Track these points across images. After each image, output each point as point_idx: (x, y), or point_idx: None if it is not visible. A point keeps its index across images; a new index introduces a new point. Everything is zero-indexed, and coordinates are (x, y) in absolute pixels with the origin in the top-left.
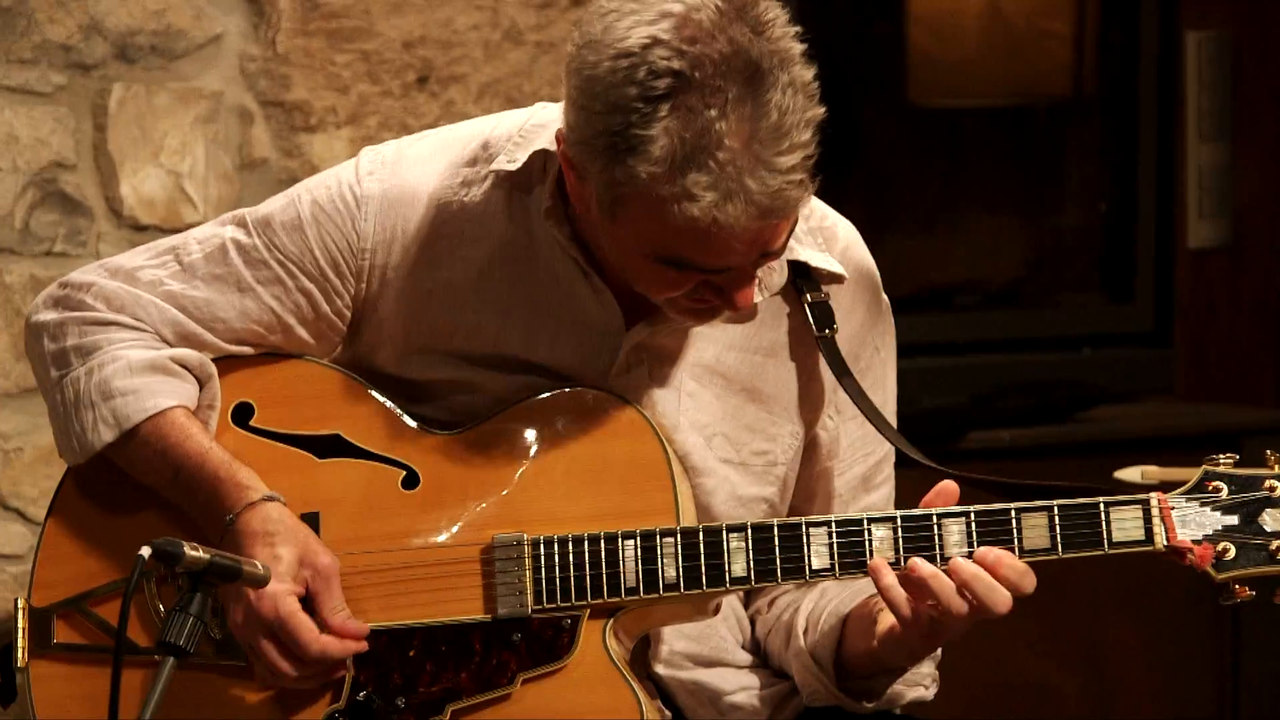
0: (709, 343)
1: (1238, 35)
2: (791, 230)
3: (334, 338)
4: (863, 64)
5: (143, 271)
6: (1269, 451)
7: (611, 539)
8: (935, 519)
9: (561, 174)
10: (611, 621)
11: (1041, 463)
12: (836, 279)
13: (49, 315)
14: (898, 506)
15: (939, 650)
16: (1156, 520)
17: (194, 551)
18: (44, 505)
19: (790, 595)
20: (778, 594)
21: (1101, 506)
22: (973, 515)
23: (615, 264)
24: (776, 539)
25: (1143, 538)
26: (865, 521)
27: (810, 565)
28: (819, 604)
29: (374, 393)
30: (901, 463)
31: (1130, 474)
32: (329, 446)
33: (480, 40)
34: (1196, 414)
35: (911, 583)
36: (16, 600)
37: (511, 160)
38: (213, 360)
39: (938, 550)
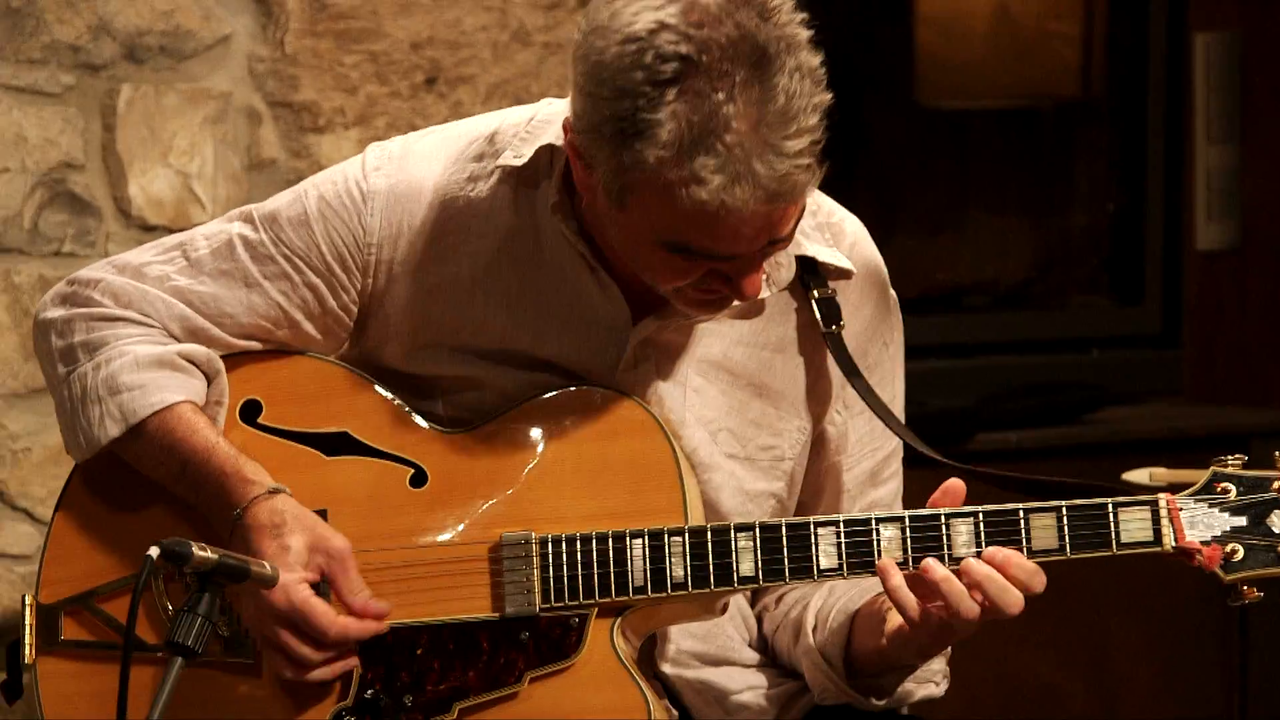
0: (715, 338)
1: (1246, 37)
2: (799, 218)
3: (340, 333)
4: (870, 65)
5: (150, 267)
6: (1277, 453)
7: (619, 538)
8: (944, 519)
9: (568, 168)
10: (619, 620)
11: (1049, 464)
12: (844, 274)
13: (56, 312)
14: (907, 505)
15: (949, 647)
16: (1165, 521)
17: (202, 552)
18: (52, 505)
19: (798, 592)
20: (784, 591)
21: (1110, 507)
22: (981, 515)
23: (623, 254)
24: (784, 539)
25: (1151, 539)
26: (873, 521)
27: (818, 565)
28: (828, 601)
29: (382, 390)
30: (911, 461)
31: (1138, 475)
32: (337, 444)
33: (488, 41)
34: (1204, 415)
35: (924, 584)
36: (24, 597)
37: (518, 155)
38: (221, 357)
39: (946, 550)
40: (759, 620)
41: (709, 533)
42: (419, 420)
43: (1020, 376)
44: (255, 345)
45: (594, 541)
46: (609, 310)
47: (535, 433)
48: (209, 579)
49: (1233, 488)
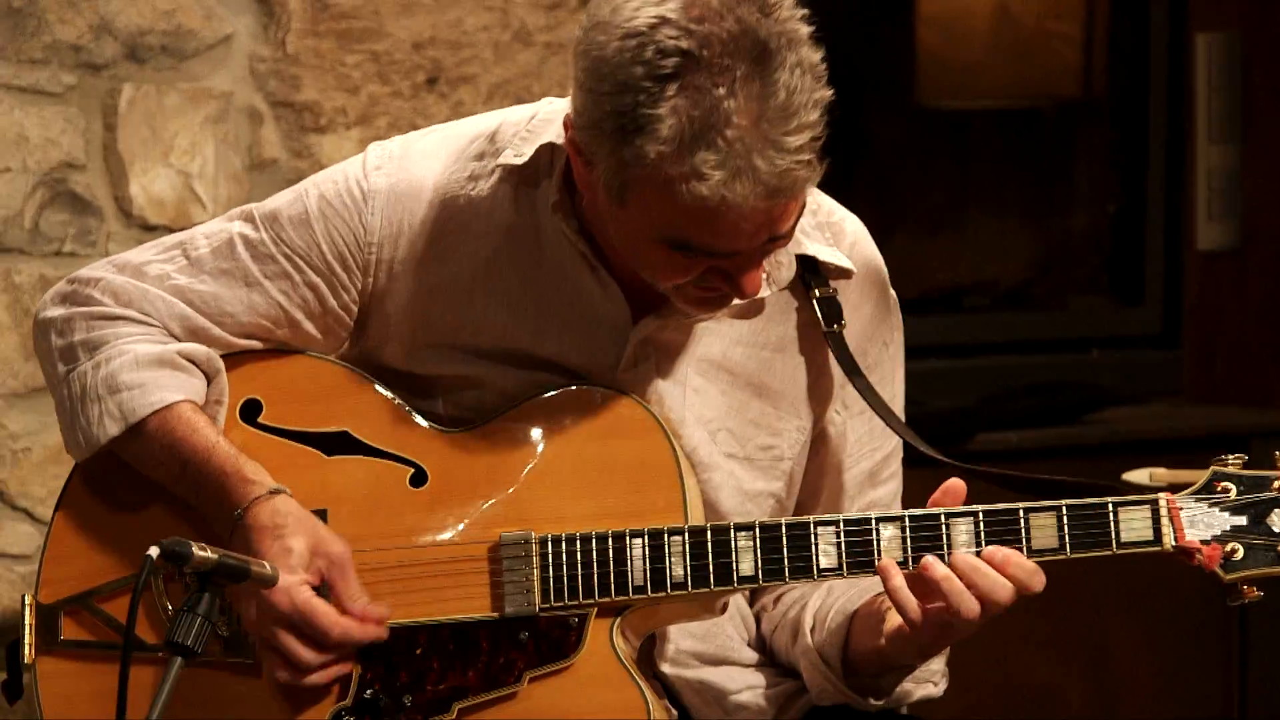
0: (715, 338)
1: (1247, 37)
2: (799, 215)
3: (341, 333)
4: (871, 65)
5: (150, 266)
6: (1278, 453)
7: (619, 537)
8: (943, 519)
9: (569, 167)
10: (619, 620)
11: (1050, 464)
12: (844, 274)
13: (57, 311)
14: (907, 505)
15: (948, 647)
16: (1165, 520)
17: (202, 552)
18: (52, 505)
19: (796, 592)
20: (783, 591)
21: (1110, 506)
22: (981, 515)
23: (623, 252)
24: (784, 538)
25: (1151, 538)
26: (873, 521)
27: (818, 564)
28: (826, 601)
29: (382, 389)
30: (911, 461)
31: (1138, 476)
32: (337, 444)
33: (490, 41)
34: (1205, 416)
35: (924, 584)
36: (24, 596)
37: (518, 154)
38: (221, 356)
39: (946, 550)
40: (757, 620)
41: (709, 532)
42: (419, 420)
43: (1020, 376)
44: (255, 344)
45: (593, 541)
46: (609, 309)
47: (535, 432)
48: (209, 579)
49: (1233, 487)
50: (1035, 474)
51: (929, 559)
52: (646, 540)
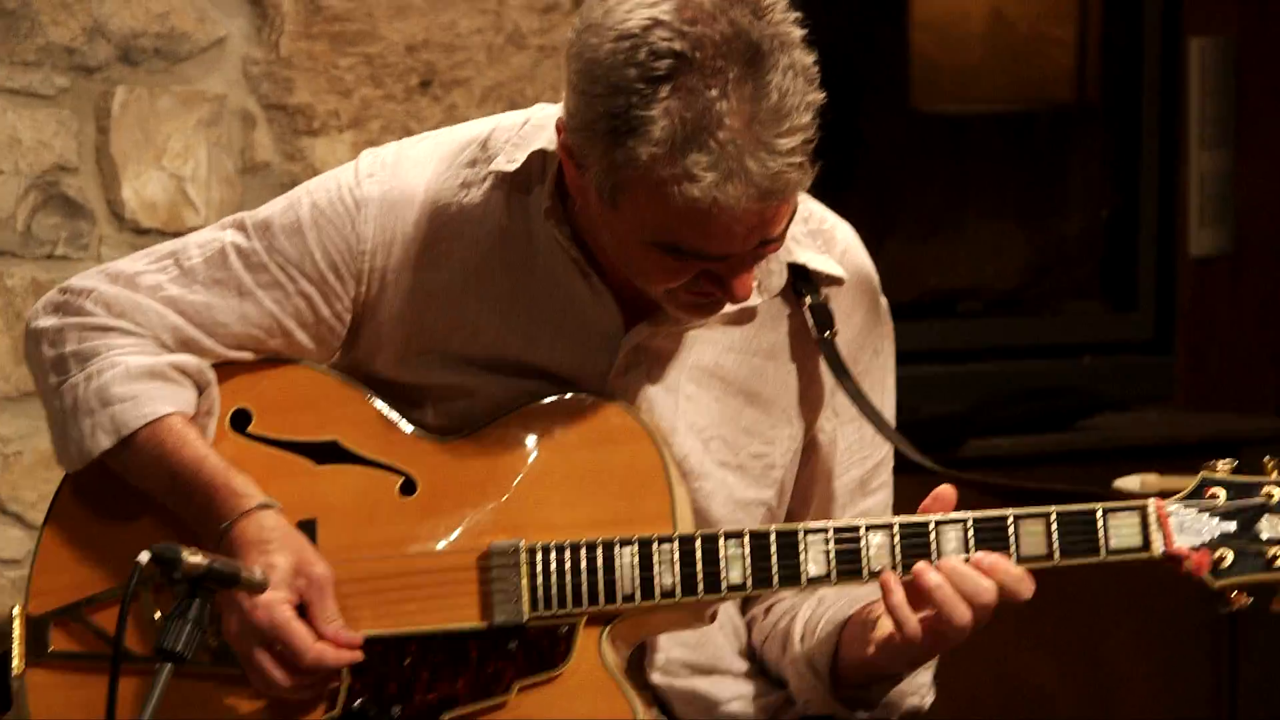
0: (707, 345)
1: (1241, 41)
2: (791, 218)
3: (333, 342)
4: (866, 68)
5: (143, 276)
6: (1267, 458)
7: (609, 545)
8: (932, 526)
9: (561, 174)
10: (608, 629)
11: (1042, 470)
12: (836, 281)
13: (49, 321)
14: (898, 512)
15: (936, 658)
16: (1154, 526)
17: (192, 557)
18: (43, 509)
19: (787, 602)
20: (774, 600)
21: (1099, 513)
22: (970, 522)
23: (615, 256)
24: (774, 546)
25: (1140, 544)
26: (862, 528)
27: (807, 572)
28: (816, 611)
29: (372, 398)
30: (902, 469)
31: (1130, 482)
32: (327, 453)
33: (483, 44)
34: (1197, 422)
35: (914, 591)
36: (13, 608)
37: (510, 161)
38: (211, 366)
39: (934, 557)
40: (748, 629)
41: (698, 540)
42: (409, 429)
43: (1013, 382)
44: (248, 355)
45: (582, 549)
46: (601, 316)
47: (526, 440)
48: (199, 585)
49: (1222, 493)
50: (1024, 483)
51: (920, 566)
52: (636, 548)
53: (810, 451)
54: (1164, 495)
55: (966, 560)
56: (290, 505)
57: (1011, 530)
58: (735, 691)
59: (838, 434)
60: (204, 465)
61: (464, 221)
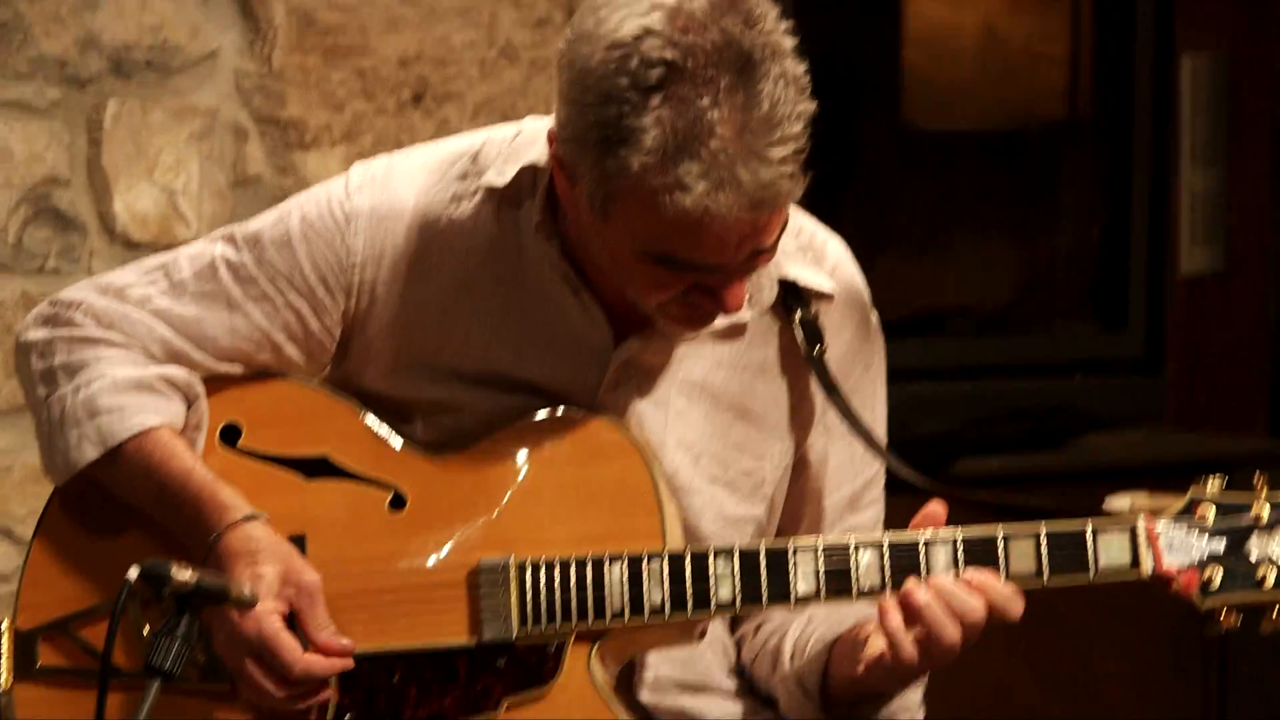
0: (698, 360)
1: (1233, 59)
2: (782, 229)
3: (323, 356)
4: (858, 85)
5: (132, 289)
6: (1257, 477)
7: (598, 562)
8: (922, 543)
9: (551, 188)
10: (597, 646)
11: (1032, 489)
12: (826, 297)
13: (38, 333)
14: (888, 530)
15: (925, 676)
16: (1143, 546)
17: (181, 574)
18: (32, 524)
19: (776, 620)
20: (763, 618)
21: (1089, 531)
22: (960, 540)
23: (607, 268)
24: (763, 563)
25: (1129, 563)
26: (852, 546)
27: (796, 590)
28: (806, 629)
29: (362, 413)
30: (893, 487)
31: (1120, 502)
32: (317, 468)
33: (476, 58)
34: (1187, 441)
35: (904, 608)
36: (1, 623)
37: (501, 175)
38: (202, 380)
39: (924, 575)
40: (738, 647)
41: (688, 557)
42: (399, 443)
43: (1003, 401)
44: (237, 369)
45: (572, 566)
46: (591, 331)
47: (515, 456)
48: (188, 601)
49: (1211, 512)
50: (1014, 499)
51: (910, 585)
52: (625, 565)
53: (801, 468)
54: (1153, 514)
55: (956, 578)
56: (279, 520)
57: (1001, 548)
58: (724, 710)
59: (828, 451)
60: (191, 478)
61: (454, 235)
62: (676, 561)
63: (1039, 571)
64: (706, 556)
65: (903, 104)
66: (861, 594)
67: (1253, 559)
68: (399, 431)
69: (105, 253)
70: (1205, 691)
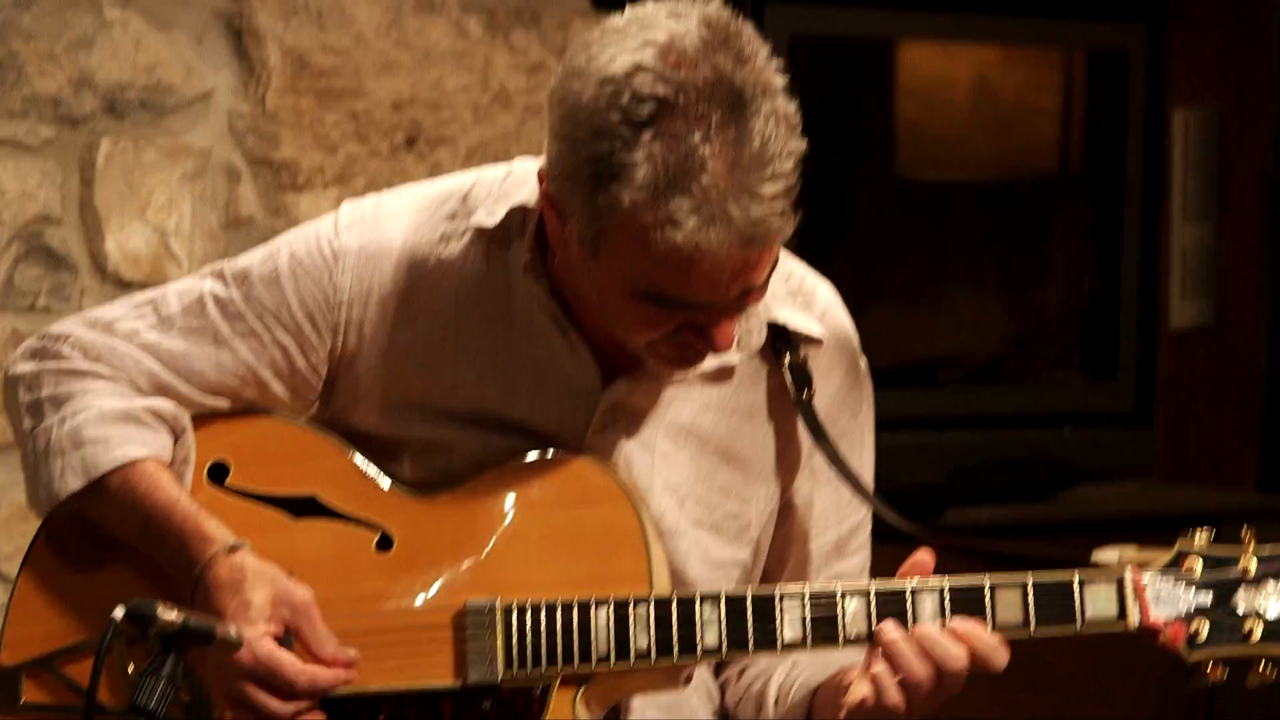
0: (685, 403)
1: (1224, 114)
2: (773, 268)
3: (309, 394)
4: (851, 135)
5: (120, 323)
6: (1245, 531)
7: (584, 606)
8: (909, 591)
9: (541, 228)
10: (582, 690)
11: (1020, 541)
12: (815, 342)
13: (26, 366)
14: (876, 577)
15: None
16: (1130, 598)
17: (168, 614)
18: (18, 561)
19: (761, 664)
20: (748, 663)
21: (1076, 582)
22: (946, 589)
23: (596, 307)
24: (750, 609)
25: (1115, 615)
26: (839, 593)
27: (783, 637)
28: (791, 674)
29: (350, 453)
30: (880, 535)
31: (1108, 554)
32: (304, 507)
33: (469, 103)
34: (1176, 495)
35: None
36: None
37: (490, 215)
38: (190, 417)
39: (910, 622)
40: (722, 691)
41: (674, 602)
42: (387, 484)
43: (992, 452)
44: (223, 403)
45: (558, 609)
46: (579, 373)
47: (503, 498)
48: (174, 641)
49: (1199, 565)
50: (1002, 548)
51: (882, 624)
52: (611, 609)
53: (787, 512)
54: (1141, 566)
55: (942, 627)
56: (266, 560)
57: (988, 598)
58: None
59: (814, 495)
60: (175, 509)
61: (442, 275)
62: (663, 606)
63: (1026, 622)
64: (693, 602)
65: (896, 155)
66: (848, 642)
67: (1239, 612)
68: (386, 471)
69: (96, 291)
70: None
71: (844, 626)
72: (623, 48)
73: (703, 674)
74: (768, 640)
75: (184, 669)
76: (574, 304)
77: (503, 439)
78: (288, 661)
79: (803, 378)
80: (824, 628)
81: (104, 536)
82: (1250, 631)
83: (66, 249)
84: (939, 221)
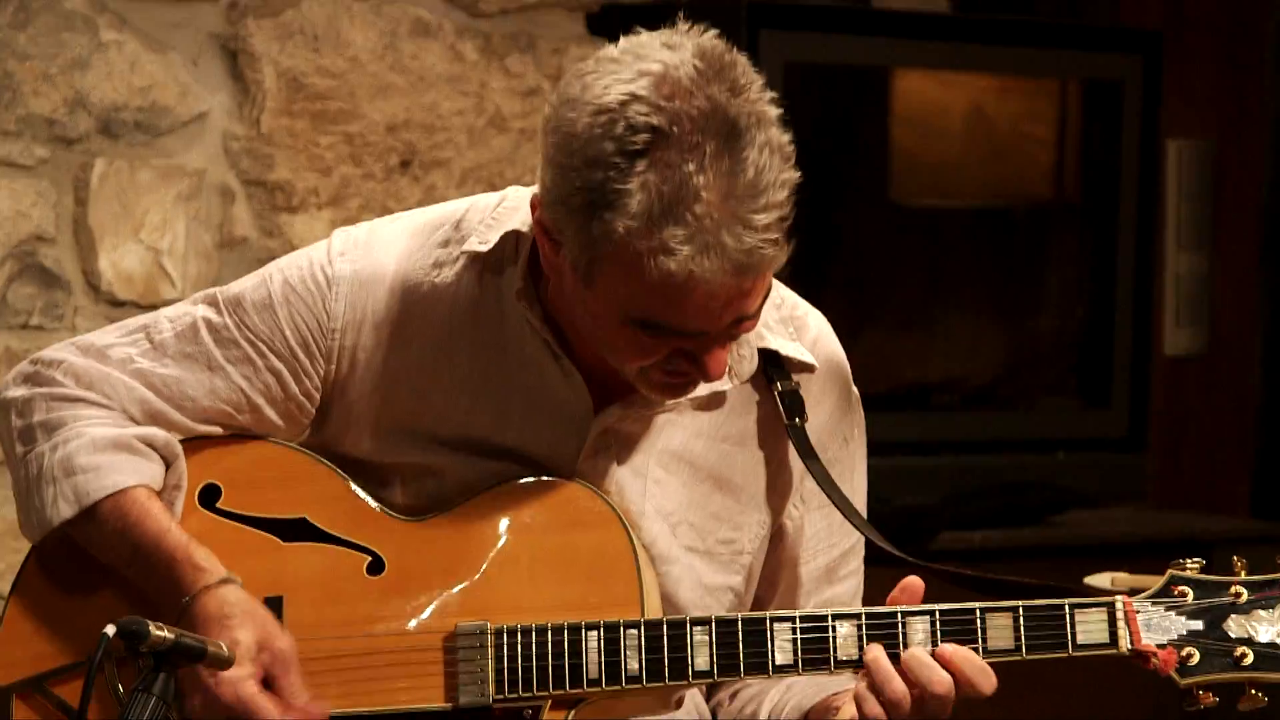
0: (677, 430)
1: (1219, 145)
2: (766, 296)
3: (303, 420)
4: (846, 162)
5: (113, 349)
6: (1236, 558)
7: (575, 629)
8: (900, 617)
9: (534, 254)
10: (573, 713)
11: (1013, 565)
12: (807, 369)
13: (18, 392)
14: (867, 603)
15: None
16: (1121, 623)
17: (159, 631)
18: (9, 580)
19: (753, 688)
20: (740, 686)
21: (1067, 608)
22: (938, 614)
23: (589, 334)
24: (740, 633)
25: (1107, 640)
26: (830, 618)
27: (774, 661)
28: (783, 698)
29: (342, 477)
30: (872, 560)
31: (1100, 580)
32: (295, 530)
33: (464, 126)
34: (1169, 521)
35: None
36: None
37: (483, 241)
38: (182, 441)
39: (901, 648)
40: (714, 715)
41: (665, 626)
42: (378, 508)
43: (986, 476)
44: (216, 430)
45: (549, 633)
46: (571, 399)
47: (495, 522)
48: (165, 659)
49: (1190, 591)
50: (993, 575)
51: (871, 645)
52: (602, 633)
53: (778, 538)
54: (1133, 593)
55: (933, 654)
56: (257, 582)
57: (979, 623)
58: None
59: (804, 521)
60: (165, 539)
61: (435, 301)
62: (654, 630)
63: (1017, 647)
64: (684, 625)
65: (891, 182)
66: (839, 665)
67: (1231, 638)
68: (378, 495)
69: (89, 310)
70: None
71: (835, 651)
72: (618, 77)
73: (694, 697)
74: (759, 664)
75: (176, 691)
76: (567, 330)
77: (495, 464)
78: (267, 709)
79: (794, 404)
80: (815, 652)
81: (94, 560)
82: (1242, 657)
83: (60, 268)
84: (934, 247)
